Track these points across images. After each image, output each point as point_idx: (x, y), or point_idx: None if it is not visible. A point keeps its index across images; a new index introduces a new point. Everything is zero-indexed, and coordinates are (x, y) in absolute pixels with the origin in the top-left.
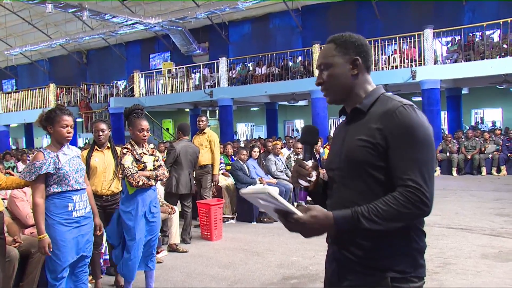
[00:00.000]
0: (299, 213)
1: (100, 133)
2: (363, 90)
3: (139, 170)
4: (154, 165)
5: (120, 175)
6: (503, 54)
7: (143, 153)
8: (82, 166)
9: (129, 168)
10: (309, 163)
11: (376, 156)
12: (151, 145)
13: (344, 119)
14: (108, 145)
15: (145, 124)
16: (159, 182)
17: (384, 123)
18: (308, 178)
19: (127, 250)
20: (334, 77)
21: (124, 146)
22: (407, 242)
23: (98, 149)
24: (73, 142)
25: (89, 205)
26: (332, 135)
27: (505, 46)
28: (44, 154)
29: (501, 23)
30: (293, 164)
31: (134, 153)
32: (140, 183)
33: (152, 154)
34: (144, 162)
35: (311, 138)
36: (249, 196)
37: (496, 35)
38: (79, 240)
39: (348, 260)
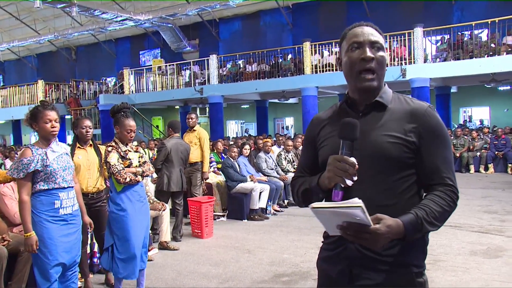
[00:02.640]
0: (375, 225)
1: (88, 129)
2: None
3: (125, 167)
4: (139, 162)
5: (107, 173)
6: (491, 53)
7: (128, 150)
8: (70, 163)
9: (115, 165)
10: (353, 159)
11: (409, 154)
12: (135, 143)
13: (339, 109)
14: (91, 142)
15: (132, 124)
16: (149, 180)
17: (417, 122)
18: (354, 178)
19: (125, 249)
20: (385, 62)
21: (108, 144)
22: (423, 238)
23: (80, 146)
24: (63, 139)
25: (77, 202)
26: (324, 121)
27: (493, 45)
28: (32, 151)
29: (489, 22)
30: (284, 162)
31: (119, 150)
32: (128, 179)
33: (136, 151)
34: (129, 159)
35: (351, 133)
36: (326, 211)
37: (484, 34)
38: (67, 238)
39: (368, 258)
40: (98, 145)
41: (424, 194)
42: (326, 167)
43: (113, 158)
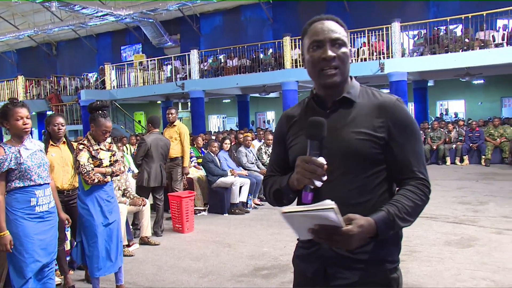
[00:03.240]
0: (347, 226)
1: (61, 126)
2: (348, 80)
3: (95, 167)
4: (110, 161)
5: (76, 170)
6: (465, 47)
7: (100, 149)
8: (45, 160)
9: (84, 165)
10: (322, 160)
11: (378, 150)
12: (108, 140)
13: (306, 106)
14: (64, 139)
15: (109, 125)
16: (130, 175)
17: (386, 116)
18: (323, 178)
19: (92, 248)
20: (347, 58)
21: (80, 142)
22: (397, 233)
23: (53, 144)
24: (42, 135)
25: (53, 199)
26: (293, 118)
27: (467, 40)
28: (4, 149)
29: (463, 18)
30: (265, 156)
31: (91, 149)
32: (96, 180)
33: (109, 150)
34: (100, 159)
35: (318, 133)
36: (296, 215)
37: (459, 30)
38: (44, 235)
39: (343, 257)
40: (72, 142)
41: (397, 188)
42: None
43: (83, 157)
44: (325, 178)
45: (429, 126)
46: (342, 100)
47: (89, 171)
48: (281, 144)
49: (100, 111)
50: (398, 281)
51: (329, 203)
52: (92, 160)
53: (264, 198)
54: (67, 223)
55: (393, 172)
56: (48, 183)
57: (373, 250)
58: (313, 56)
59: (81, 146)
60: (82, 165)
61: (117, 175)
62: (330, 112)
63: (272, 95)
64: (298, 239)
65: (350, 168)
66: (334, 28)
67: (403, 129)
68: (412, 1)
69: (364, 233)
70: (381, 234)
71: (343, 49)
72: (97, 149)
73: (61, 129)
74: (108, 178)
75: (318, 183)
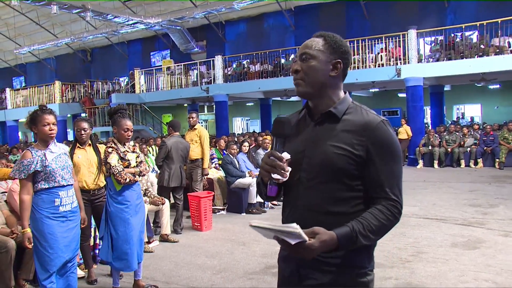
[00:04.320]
0: (309, 240)
1: (82, 132)
2: (336, 94)
3: (124, 168)
4: (136, 162)
5: (106, 173)
6: (480, 54)
7: (126, 151)
8: (68, 163)
9: (115, 166)
10: (285, 155)
11: (354, 166)
12: (131, 143)
13: (301, 115)
14: (89, 142)
15: (129, 124)
16: (153, 175)
17: (366, 136)
18: (283, 172)
19: (124, 244)
20: (314, 70)
21: (108, 145)
22: None
23: (80, 146)
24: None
25: (76, 200)
26: (285, 129)
27: (482, 46)
28: (31, 153)
29: (478, 25)
30: None
31: (119, 151)
32: (128, 180)
33: (133, 152)
34: (128, 160)
35: (282, 130)
36: (263, 230)
37: (474, 36)
38: (68, 234)
39: (315, 260)
40: (97, 144)
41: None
42: None
43: (113, 159)
44: (287, 174)
45: (446, 130)
46: (328, 113)
47: (121, 171)
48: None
49: (119, 113)
50: (368, 285)
51: (294, 226)
52: (122, 161)
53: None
54: (82, 222)
55: (368, 190)
56: (71, 185)
57: (343, 255)
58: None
59: (110, 149)
60: (113, 166)
61: (143, 175)
62: (316, 124)
63: (293, 98)
64: None
65: (327, 178)
66: (311, 44)
67: (382, 150)
68: (429, 8)
69: (325, 247)
70: (342, 248)
71: (310, 63)
72: (124, 151)
73: (83, 134)
74: (137, 177)
75: (277, 176)
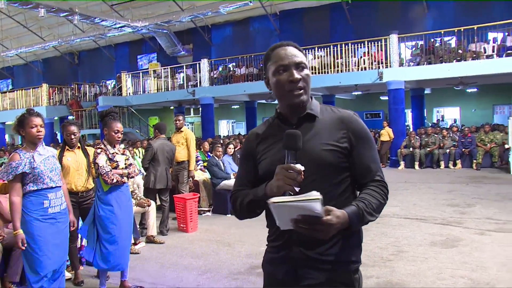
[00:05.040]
0: (326, 216)
1: (72, 136)
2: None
3: (112, 169)
4: (125, 164)
5: (95, 173)
6: (458, 58)
7: (115, 152)
8: (57, 165)
9: (103, 166)
10: (300, 167)
11: (343, 159)
12: (122, 145)
13: (272, 123)
14: (79, 145)
15: (119, 126)
16: (139, 177)
17: (345, 128)
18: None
19: (111, 244)
20: (310, 79)
21: (98, 146)
22: (358, 235)
23: (69, 149)
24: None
25: (64, 202)
26: (260, 136)
27: (460, 51)
28: (20, 155)
29: (456, 31)
30: None
31: (108, 152)
32: (114, 180)
33: (123, 154)
34: (117, 161)
35: (294, 143)
36: (286, 205)
37: (453, 41)
38: (57, 235)
39: (312, 259)
40: (86, 147)
41: (358, 192)
42: (267, 178)
43: (102, 160)
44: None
45: (425, 132)
46: (306, 116)
47: (108, 171)
48: (250, 160)
49: (110, 116)
50: (359, 281)
51: (315, 194)
52: (110, 163)
53: None
54: (72, 225)
55: (356, 177)
56: (60, 186)
57: (338, 252)
58: (281, 80)
59: (99, 150)
60: (101, 166)
61: (132, 177)
62: (296, 127)
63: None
64: (266, 245)
65: (318, 176)
66: (296, 53)
67: (362, 139)
68: (410, 14)
69: (340, 223)
70: (353, 225)
71: (306, 71)
72: (113, 153)
73: (73, 138)
74: (125, 179)
75: (297, 189)
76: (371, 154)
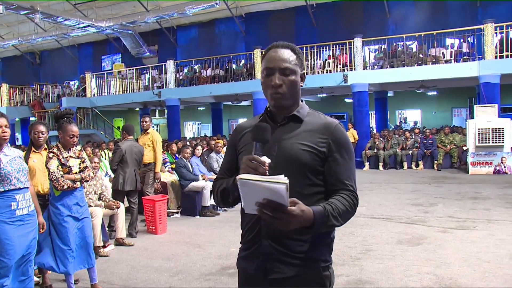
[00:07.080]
0: (291, 206)
1: (40, 134)
2: (299, 101)
3: (64, 174)
4: (80, 167)
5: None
6: (419, 62)
7: (70, 156)
8: (24, 166)
9: (54, 172)
10: (266, 159)
11: (318, 162)
12: (78, 147)
13: (258, 119)
14: (45, 146)
15: (75, 129)
16: (107, 179)
17: (327, 135)
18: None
19: (61, 248)
20: (295, 84)
21: (50, 150)
22: (328, 235)
23: (35, 150)
24: (26, 141)
25: (32, 203)
26: (244, 130)
27: (421, 55)
28: None
29: (416, 36)
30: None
31: (60, 157)
32: (65, 186)
33: (78, 157)
34: (69, 166)
35: (262, 135)
36: (251, 183)
37: (414, 46)
38: (25, 238)
39: (281, 254)
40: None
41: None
42: None
43: (53, 165)
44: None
45: (388, 134)
46: (292, 116)
47: (59, 178)
48: (232, 151)
49: (65, 118)
50: (330, 278)
51: (283, 178)
52: (62, 168)
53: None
54: (41, 227)
55: (328, 184)
56: (27, 187)
57: (308, 249)
58: (265, 82)
59: (50, 155)
60: (52, 172)
61: (86, 181)
62: (280, 125)
63: (244, 103)
64: (240, 243)
65: (292, 174)
66: (286, 57)
67: (341, 148)
68: (373, 19)
69: (303, 218)
70: (316, 225)
71: (291, 77)
72: (67, 157)
73: (41, 137)
74: (78, 184)
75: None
76: (348, 163)
